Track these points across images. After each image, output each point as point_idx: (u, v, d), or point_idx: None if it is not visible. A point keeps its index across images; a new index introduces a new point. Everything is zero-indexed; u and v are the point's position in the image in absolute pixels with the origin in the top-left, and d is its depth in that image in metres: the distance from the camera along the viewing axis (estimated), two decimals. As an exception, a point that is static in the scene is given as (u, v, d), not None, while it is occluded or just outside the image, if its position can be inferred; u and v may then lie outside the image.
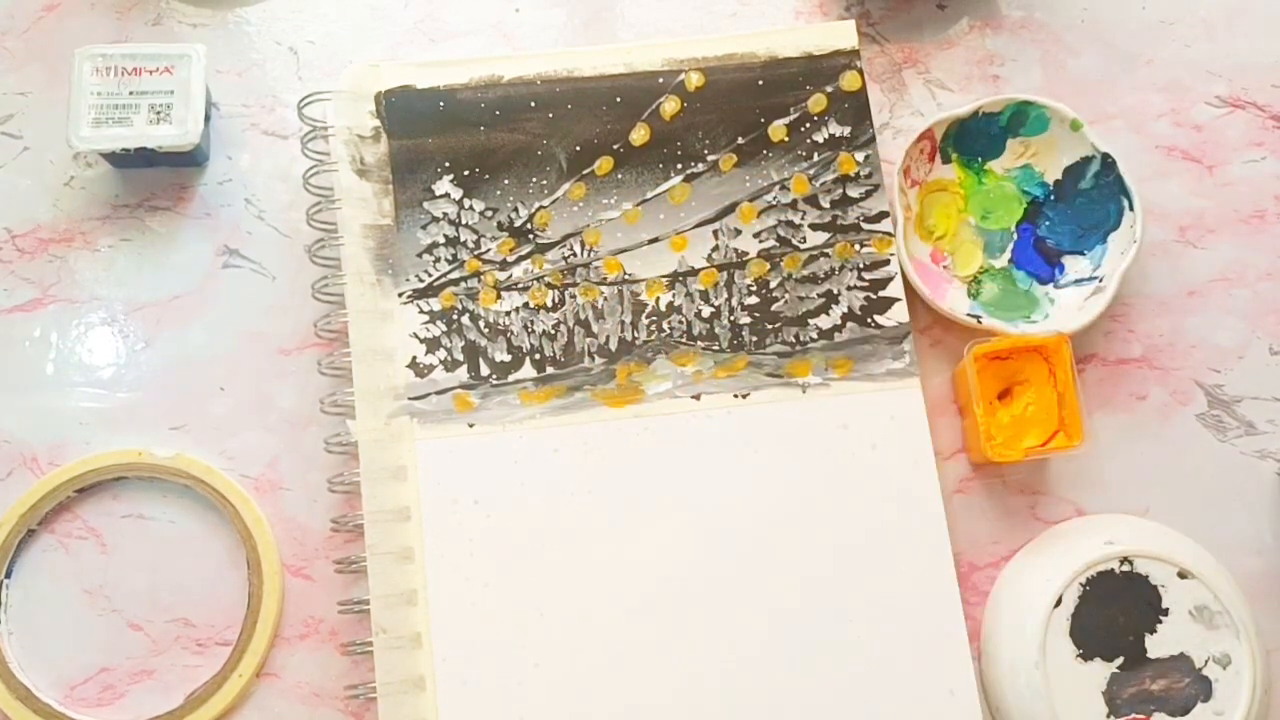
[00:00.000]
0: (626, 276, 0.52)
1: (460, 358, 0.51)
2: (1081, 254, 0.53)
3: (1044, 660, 0.46)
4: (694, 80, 0.54)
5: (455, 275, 0.52)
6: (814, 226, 0.53)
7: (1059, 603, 0.46)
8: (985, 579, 0.51)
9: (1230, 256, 0.55)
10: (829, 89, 0.54)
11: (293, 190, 0.54)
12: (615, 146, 0.53)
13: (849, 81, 0.54)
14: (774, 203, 0.53)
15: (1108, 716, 0.46)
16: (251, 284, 0.54)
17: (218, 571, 0.50)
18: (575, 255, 0.53)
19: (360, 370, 0.50)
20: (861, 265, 0.52)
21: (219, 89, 0.56)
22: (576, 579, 0.48)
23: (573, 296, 0.52)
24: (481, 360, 0.51)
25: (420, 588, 0.48)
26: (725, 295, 0.52)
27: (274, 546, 0.50)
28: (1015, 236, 0.54)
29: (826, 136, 0.54)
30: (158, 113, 0.52)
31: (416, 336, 0.51)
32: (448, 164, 0.53)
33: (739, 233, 0.53)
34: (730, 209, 0.53)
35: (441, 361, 0.51)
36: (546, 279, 0.52)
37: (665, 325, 0.52)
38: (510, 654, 0.48)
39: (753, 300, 0.52)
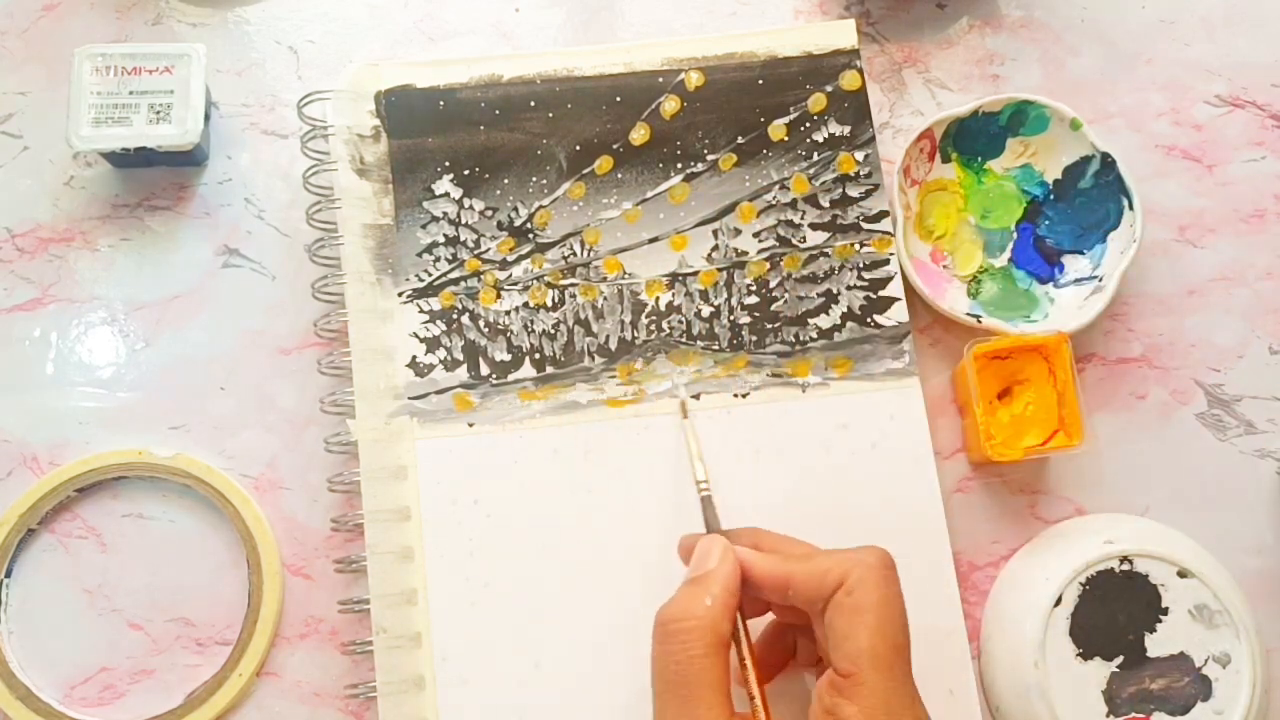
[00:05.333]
0: (626, 276, 0.52)
1: (460, 357, 0.51)
2: (1081, 253, 0.53)
3: (1044, 660, 0.46)
4: (694, 79, 0.54)
5: (455, 275, 0.52)
6: (814, 226, 0.53)
7: (1059, 602, 0.46)
8: (985, 578, 0.51)
9: (1230, 256, 0.55)
10: (829, 88, 0.54)
11: (293, 190, 0.54)
12: (615, 146, 0.53)
13: (849, 81, 0.54)
14: (774, 202, 0.53)
15: (1107, 716, 0.46)
16: (251, 283, 0.54)
17: (218, 571, 0.50)
18: (575, 255, 0.53)
19: (360, 370, 0.50)
20: (861, 265, 0.52)
21: (219, 88, 0.56)
22: (576, 579, 0.48)
23: (573, 296, 0.52)
24: (481, 360, 0.51)
25: (420, 587, 0.48)
26: (725, 295, 0.52)
27: (274, 546, 0.50)
28: (1015, 236, 0.55)
29: (826, 136, 0.54)
30: (157, 112, 0.52)
31: (416, 336, 0.51)
32: (448, 163, 0.53)
33: (739, 232, 0.53)
34: (730, 208, 0.53)
35: (441, 361, 0.51)
36: (546, 278, 0.52)
37: (665, 325, 0.52)
38: (510, 654, 0.48)
39: (752, 300, 0.52)
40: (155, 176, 0.55)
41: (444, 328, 0.51)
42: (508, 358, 0.51)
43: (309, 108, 0.52)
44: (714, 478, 0.50)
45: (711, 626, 0.38)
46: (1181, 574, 0.47)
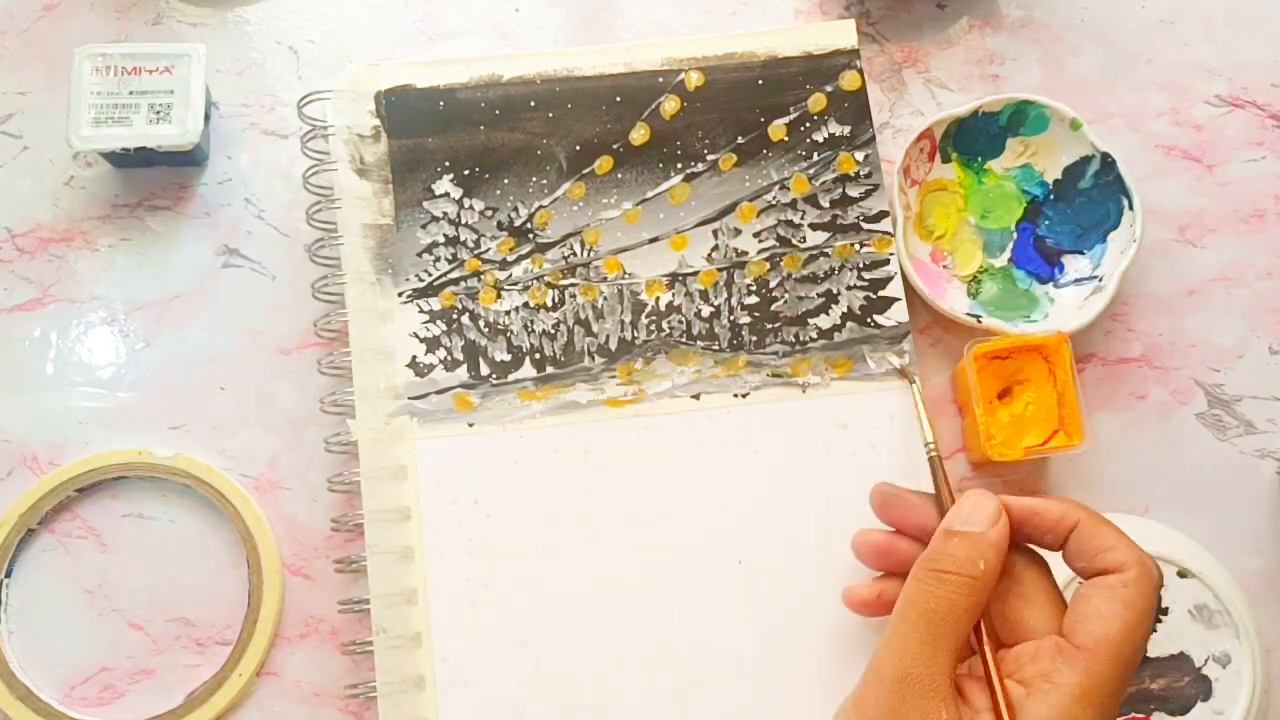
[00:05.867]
0: (626, 276, 0.52)
1: (460, 357, 0.51)
2: (1081, 253, 0.53)
3: (1044, 660, 0.46)
4: (694, 80, 0.54)
5: (455, 275, 0.52)
6: (814, 226, 0.53)
7: (1059, 602, 0.46)
8: (985, 578, 0.50)
9: (1230, 256, 0.55)
10: (829, 88, 0.54)
11: (293, 190, 0.54)
12: (615, 146, 0.53)
13: (849, 81, 0.54)
14: (774, 202, 0.53)
15: (1107, 716, 0.46)
16: (251, 283, 0.54)
17: (218, 571, 0.50)
18: (575, 255, 0.53)
19: (360, 370, 0.50)
20: (861, 265, 0.52)
21: (219, 88, 0.56)
22: (576, 579, 0.48)
23: (573, 296, 0.52)
24: (481, 360, 0.51)
25: (420, 587, 0.48)
26: (725, 295, 0.52)
27: (274, 546, 0.50)
28: (1015, 236, 0.55)
29: (826, 136, 0.54)
30: (157, 112, 0.52)
31: (416, 336, 0.51)
32: (448, 163, 0.53)
33: (739, 232, 0.53)
34: (730, 208, 0.53)
35: (441, 361, 0.51)
36: (546, 278, 0.52)
37: (665, 325, 0.52)
38: (510, 654, 0.48)
39: (752, 300, 0.52)
40: (155, 176, 0.55)
41: (444, 328, 0.51)
42: (508, 358, 0.51)
43: (309, 108, 0.52)
44: (715, 478, 0.50)
45: (982, 588, 0.39)
46: (1181, 574, 0.47)
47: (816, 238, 0.53)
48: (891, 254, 0.52)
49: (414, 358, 0.51)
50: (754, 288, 0.52)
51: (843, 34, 0.55)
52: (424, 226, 0.52)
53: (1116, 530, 0.40)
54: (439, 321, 0.51)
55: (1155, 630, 0.46)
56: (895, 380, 0.51)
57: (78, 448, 0.51)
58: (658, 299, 0.52)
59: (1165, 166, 0.56)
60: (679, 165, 0.53)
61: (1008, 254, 0.54)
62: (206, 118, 0.53)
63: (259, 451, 0.51)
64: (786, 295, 0.52)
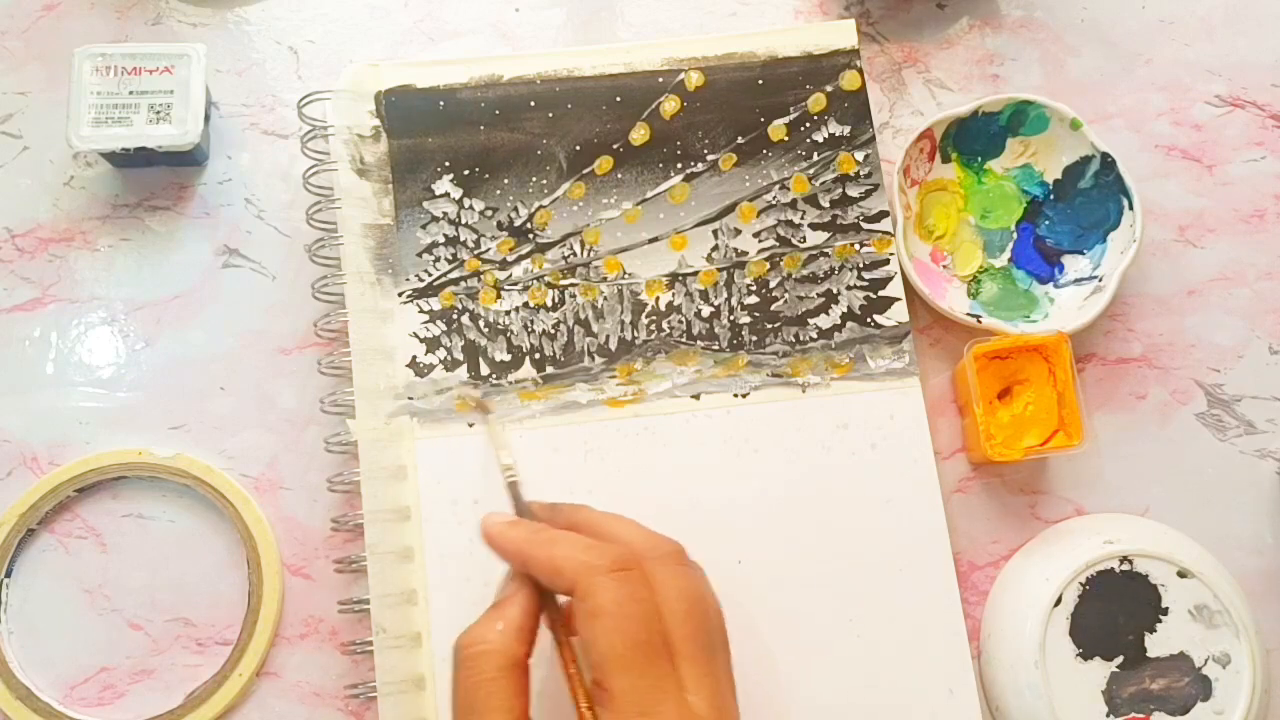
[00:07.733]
0: (626, 276, 0.52)
1: (460, 357, 0.51)
2: (1081, 253, 0.53)
3: (1044, 659, 0.46)
4: (694, 80, 0.54)
5: (455, 275, 0.52)
6: (814, 226, 0.53)
7: (1059, 602, 0.46)
8: (985, 578, 0.51)
9: (1230, 256, 0.55)
10: (829, 88, 0.54)
11: (293, 190, 0.54)
12: (615, 146, 0.53)
13: (849, 81, 0.54)
14: (774, 202, 0.53)
15: (1107, 716, 0.46)
16: (251, 283, 0.54)
17: (218, 571, 0.50)
18: (575, 255, 0.53)
19: (360, 370, 0.50)
20: (861, 265, 0.52)
21: (219, 88, 0.56)
22: (576, 578, 0.48)
23: (573, 296, 0.52)
24: (481, 360, 0.51)
25: (420, 587, 0.48)
26: (725, 295, 0.52)
27: (274, 546, 0.50)
28: (1015, 236, 0.55)
29: (826, 136, 0.54)
30: (157, 112, 0.52)
31: (416, 336, 0.51)
32: (448, 163, 0.53)
33: (739, 232, 0.53)
34: (730, 208, 0.53)
35: (441, 361, 0.51)
36: (546, 278, 0.52)
37: (665, 325, 0.52)
38: (510, 653, 0.47)
39: (752, 300, 0.52)
40: (155, 176, 0.55)
41: (444, 328, 0.51)
42: (508, 358, 0.51)
43: (309, 108, 0.52)
44: (715, 478, 0.50)
45: (502, 650, 0.37)
46: (1181, 574, 0.47)
47: (816, 238, 0.53)
48: (891, 254, 0.52)
49: (414, 358, 0.51)
50: (754, 288, 0.52)
51: (843, 34, 0.55)
52: (424, 226, 0.52)
53: (567, 545, 0.39)
54: (439, 321, 0.51)
55: (1155, 630, 0.46)
56: (895, 380, 0.51)
57: (78, 448, 0.51)
58: (658, 299, 0.52)
59: (1165, 166, 0.56)
60: (679, 165, 0.53)
61: (1008, 254, 0.54)
62: (206, 118, 0.53)
63: (259, 451, 0.51)
64: (786, 295, 0.52)
